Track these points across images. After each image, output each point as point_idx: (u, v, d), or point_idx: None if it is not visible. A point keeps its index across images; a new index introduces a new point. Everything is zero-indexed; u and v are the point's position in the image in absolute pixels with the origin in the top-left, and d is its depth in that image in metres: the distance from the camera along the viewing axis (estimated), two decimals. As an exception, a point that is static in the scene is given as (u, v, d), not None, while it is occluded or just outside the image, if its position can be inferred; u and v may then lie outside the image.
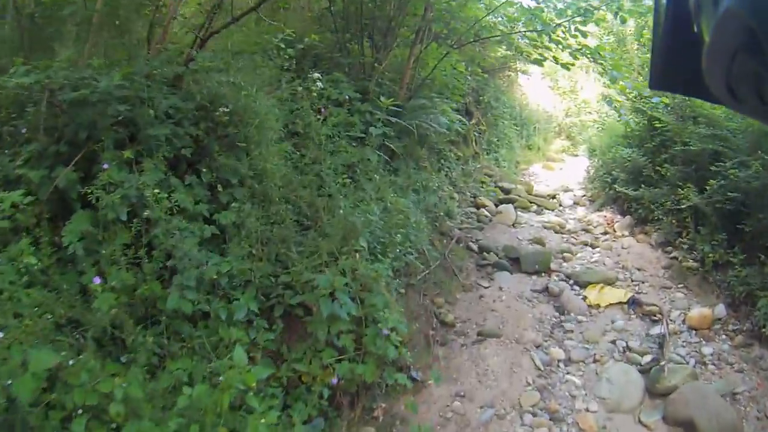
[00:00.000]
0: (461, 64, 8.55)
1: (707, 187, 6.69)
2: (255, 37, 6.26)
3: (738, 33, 0.56)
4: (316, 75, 5.72)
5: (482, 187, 10.26)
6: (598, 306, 6.38)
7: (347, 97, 6.12)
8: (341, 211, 4.71)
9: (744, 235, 6.27)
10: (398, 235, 5.17)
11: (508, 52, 13.46)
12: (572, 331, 5.95)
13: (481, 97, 12.59)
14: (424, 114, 7.47)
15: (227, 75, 4.70)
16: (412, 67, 7.75)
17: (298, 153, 5.21)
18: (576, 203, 10.91)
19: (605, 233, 8.91)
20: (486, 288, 6.64)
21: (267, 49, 5.65)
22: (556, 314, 6.26)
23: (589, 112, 16.33)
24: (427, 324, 5.51)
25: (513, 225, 9.01)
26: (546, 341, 5.68)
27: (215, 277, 3.86)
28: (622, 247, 8.11)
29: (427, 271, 6.07)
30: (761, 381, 5.21)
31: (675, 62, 0.80)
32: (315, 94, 5.55)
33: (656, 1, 0.88)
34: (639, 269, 7.35)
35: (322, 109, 5.67)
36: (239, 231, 4.23)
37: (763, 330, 5.52)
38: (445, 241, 7.28)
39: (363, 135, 6.01)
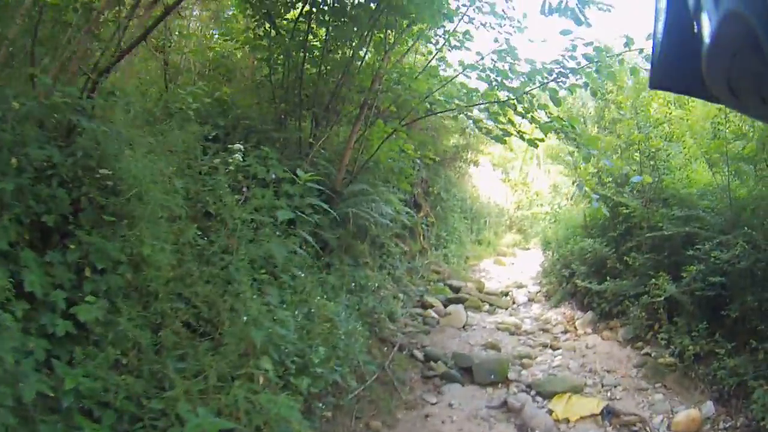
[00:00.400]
0: (409, 144, 7.78)
1: (683, 275, 6.11)
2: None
3: (739, 34, 0.55)
4: (237, 146, 4.86)
5: (429, 286, 9.40)
6: (567, 421, 5.36)
7: (274, 176, 5.15)
8: (245, 318, 3.68)
9: (725, 321, 5.68)
10: (320, 350, 4.14)
11: (462, 141, 13.07)
12: (540, 457, 4.91)
13: (430, 188, 12.10)
14: (365, 201, 6.63)
15: (113, 127, 3.74)
16: (354, 147, 6.96)
17: (205, 239, 4.18)
18: (531, 300, 10.25)
19: (566, 332, 8.09)
20: (433, 404, 5.57)
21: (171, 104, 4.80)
22: (519, 435, 5.22)
23: (541, 205, 16.12)
24: (359, 457, 4.41)
25: (463, 327, 8.12)
26: (508, 473, 4.59)
27: (52, 395, 2.73)
28: (587, 347, 7.23)
29: (361, 387, 5.00)
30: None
31: (675, 62, 0.77)
32: (233, 168, 4.65)
33: (656, 1, 0.80)
34: (609, 371, 6.45)
35: (245, 189, 4.76)
36: (107, 332, 3.16)
37: (762, 423, 4.81)
38: (385, 348, 6.27)
39: (289, 224, 5.09)
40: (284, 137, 6.56)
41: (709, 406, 5.32)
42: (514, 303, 10.04)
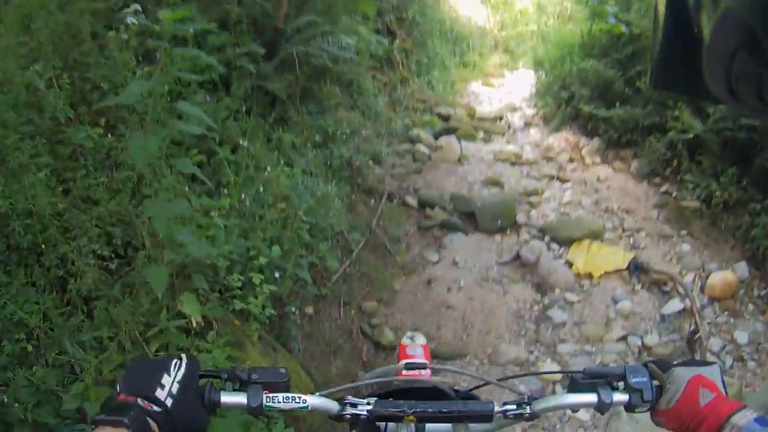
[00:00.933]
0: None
1: (708, 110, 5.16)
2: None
3: (738, 32, 0.53)
4: (133, 7, 3.61)
5: (416, 117, 8.36)
6: (590, 276, 4.62)
7: (191, 30, 3.86)
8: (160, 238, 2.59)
9: (756, 169, 4.86)
10: (273, 249, 3.13)
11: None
12: (563, 325, 4.17)
13: (403, 14, 10.68)
14: (317, 36, 5.41)
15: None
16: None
17: (110, 135, 3.03)
18: (528, 124, 9.22)
19: (572, 161, 7.19)
20: (435, 264, 4.79)
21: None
22: (537, 297, 4.47)
23: (527, 24, 14.79)
24: (353, 353, 3.62)
25: (459, 161, 7.19)
26: (531, 352, 3.85)
27: None
28: (598, 179, 6.37)
29: (347, 263, 4.14)
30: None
31: (675, 61, 0.71)
32: (128, 36, 3.41)
33: (656, 1, 0.73)
34: (627, 211, 5.63)
35: (157, 54, 3.56)
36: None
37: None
38: (372, 201, 5.36)
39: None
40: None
41: (743, 268, 4.60)
42: (510, 128, 9.02)
